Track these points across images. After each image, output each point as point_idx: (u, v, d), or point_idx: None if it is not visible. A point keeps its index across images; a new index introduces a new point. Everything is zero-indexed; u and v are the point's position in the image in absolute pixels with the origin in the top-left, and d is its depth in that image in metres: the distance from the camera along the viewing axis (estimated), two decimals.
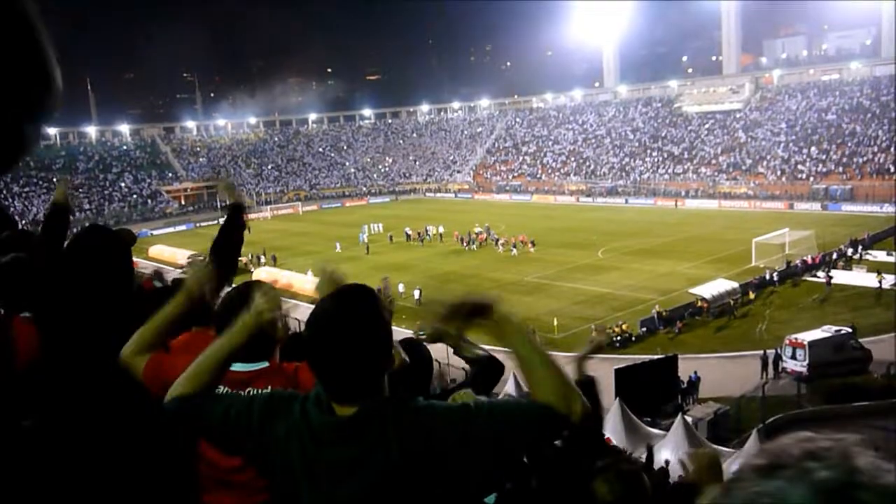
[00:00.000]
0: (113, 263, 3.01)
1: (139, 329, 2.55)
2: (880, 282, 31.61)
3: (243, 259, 37.88)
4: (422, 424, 1.72)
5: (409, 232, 51.63)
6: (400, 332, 2.40)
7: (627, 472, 2.99)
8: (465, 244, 47.47)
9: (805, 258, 36.67)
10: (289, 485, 1.78)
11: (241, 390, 2.41)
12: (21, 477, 1.62)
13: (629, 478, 2.96)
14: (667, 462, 12.97)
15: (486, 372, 3.29)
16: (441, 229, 51.54)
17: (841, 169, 61.29)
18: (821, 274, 34.51)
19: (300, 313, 27.46)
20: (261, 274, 36.96)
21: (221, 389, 2.30)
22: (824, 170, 62.36)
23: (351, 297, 1.82)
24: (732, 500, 0.74)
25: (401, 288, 33.02)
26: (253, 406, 1.88)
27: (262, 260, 44.33)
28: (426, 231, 51.90)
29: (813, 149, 65.24)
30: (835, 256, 37.12)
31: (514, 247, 44.34)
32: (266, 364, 2.53)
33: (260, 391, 2.40)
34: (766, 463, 0.75)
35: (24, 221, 65.85)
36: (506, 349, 1.86)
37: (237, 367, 2.34)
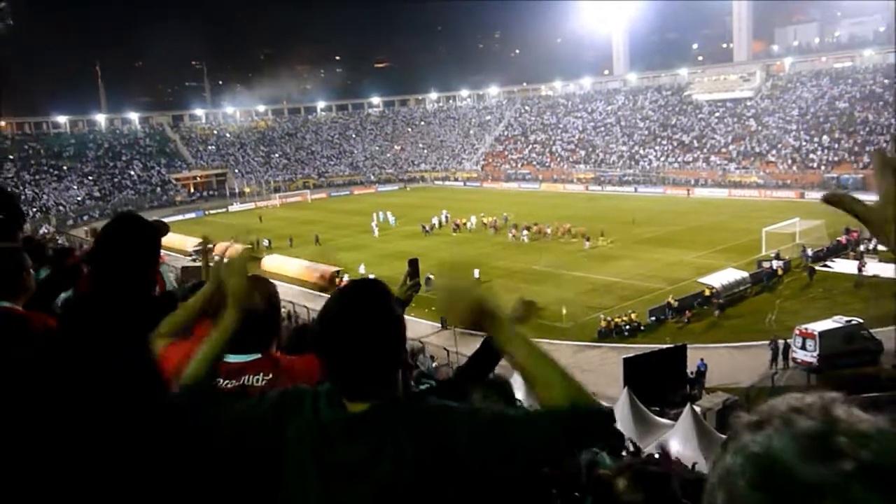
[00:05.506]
0: (146, 252, 3.05)
1: (169, 315, 2.54)
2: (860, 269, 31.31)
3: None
4: (434, 423, 1.67)
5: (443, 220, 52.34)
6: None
7: (652, 473, 2.83)
8: (511, 236, 45.48)
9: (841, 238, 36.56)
10: (301, 485, 1.72)
11: (234, 380, 2.41)
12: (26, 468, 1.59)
13: (655, 480, 2.81)
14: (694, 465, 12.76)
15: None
16: (482, 217, 51.95)
17: (853, 158, 60.70)
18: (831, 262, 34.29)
19: (309, 302, 27.58)
20: (268, 261, 37.06)
21: (220, 382, 2.27)
22: (836, 158, 61.82)
23: (363, 290, 1.79)
24: (727, 455, 0.81)
25: None
26: (264, 407, 1.82)
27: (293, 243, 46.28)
28: (444, 219, 52.55)
29: (825, 137, 64.64)
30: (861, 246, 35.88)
31: (525, 233, 44.67)
32: (259, 356, 2.50)
33: (253, 378, 2.42)
34: (756, 419, 0.82)
35: (34, 210, 66.34)
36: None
37: (231, 357, 2.31)
